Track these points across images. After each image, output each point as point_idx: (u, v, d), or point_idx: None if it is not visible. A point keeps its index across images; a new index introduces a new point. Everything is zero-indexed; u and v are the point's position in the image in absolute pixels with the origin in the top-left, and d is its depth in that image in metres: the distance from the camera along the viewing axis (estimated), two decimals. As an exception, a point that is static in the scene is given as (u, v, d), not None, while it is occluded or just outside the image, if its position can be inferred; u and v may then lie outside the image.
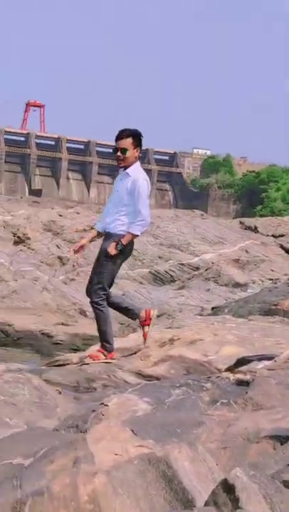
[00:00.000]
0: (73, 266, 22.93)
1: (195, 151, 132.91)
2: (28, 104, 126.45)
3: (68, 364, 6.82)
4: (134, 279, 20.71)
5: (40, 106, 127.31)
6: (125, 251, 6.89)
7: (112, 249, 6.75)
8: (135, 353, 6.96)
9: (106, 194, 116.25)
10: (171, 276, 20.93)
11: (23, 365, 6.85)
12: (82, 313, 17.95)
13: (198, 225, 23.87)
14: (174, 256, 21.83)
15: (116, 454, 2.62)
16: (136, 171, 6.85)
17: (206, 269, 20.09)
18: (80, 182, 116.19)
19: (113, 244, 6.76)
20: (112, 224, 6.85)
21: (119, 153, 6.81)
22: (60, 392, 5.28)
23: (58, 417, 4.54)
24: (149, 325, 7.11)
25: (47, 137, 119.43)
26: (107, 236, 6.94)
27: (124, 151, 6.77)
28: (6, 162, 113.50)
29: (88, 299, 7.17)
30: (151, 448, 2.67)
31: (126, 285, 20.06)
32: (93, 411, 3.27)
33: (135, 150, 6.81)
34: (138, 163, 6.92)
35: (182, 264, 21.28)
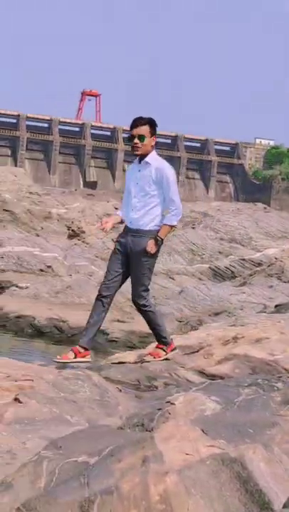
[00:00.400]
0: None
1: (258, 141, 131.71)
2: (83, 94, 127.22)
3: (127, 362, 6.84)
4: (193, 275, 20.67)
5: (96, 95, 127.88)
6: (159, 249, 6.81)
7: (152, 248, 6.63)
8: (197, 351, 6.94)
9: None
10: (232, 272, 20.83)
11: (81, 362, 6.88)
12: (139, 309, 17.97)
13: (260, 219, 23.70)
14: (234, 251, 21.72)
15: (187, 454, 2.62)
16: (157, 160, 6.74)
17: (269, 265, 19.93)
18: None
19: (152, 241, 6.63)
20: (142, 220, 6.69)
21: (136, 140, 6.67)
22: (120, 390, 5.31)
23: (119, 416, 4.56)
24: (166, 352, 6.87)
25: (103, 127, 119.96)
26: (137, 234, 6.73)
27: (142, 138, 6.67)
28: (60, 153, 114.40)
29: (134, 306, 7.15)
30: (224, 448, 2.67)
31: (184, 281, 20.04)
32: (159, 409, 3.27)
33: (152, 138, 6.73)
34: (155, 152, 6.81)
35: (243, 260, 21.16)
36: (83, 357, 6.46)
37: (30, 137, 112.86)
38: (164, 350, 6.83)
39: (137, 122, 6.71)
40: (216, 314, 16.65)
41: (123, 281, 6.98)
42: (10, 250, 27.59)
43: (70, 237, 27.60)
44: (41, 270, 23.47)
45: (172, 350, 6.86)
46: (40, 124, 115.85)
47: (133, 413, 3.43)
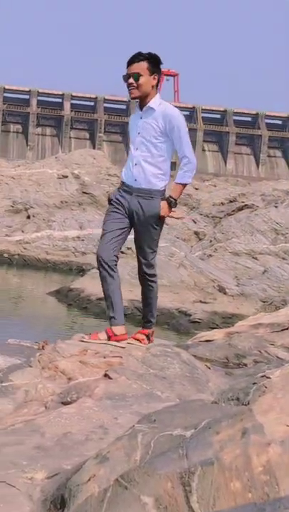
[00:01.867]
0: (210, 241, 22.94)
1: None
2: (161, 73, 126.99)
3: (214, 340, 6.82)
4: (277, 255, 20.47)
5: (174, 75, 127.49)
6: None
7: (166, 211, 5.70)
8: (287, 329, 6.87)
9: (244, 166, 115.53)
10: (317, 251, 20.56)
11: (166, 341, 6.90)
12: (222, 290, 17.94)
13: None
14: None
15: (288, 426, 2.60)
16: (162, 104, 5.72)
17: None
18: (216, 153, 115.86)
19: (165, 204, 5.69)
20: (149, 177, 5.72)
21: (130, 80, 5.66)
22: (209, 368, 5.30)
23: (210, 392, 4.56)
24: (150, 341, 5.81)
25: (181, 107, 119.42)
26: (145, 194, 5.74)
27: (136, 76, 5.63)
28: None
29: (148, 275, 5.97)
30: None
31: (268, 261, 19.88)
32: (254, 383, 3.25)
33: (152, 77, 5.67)
34: (158, 95, 5.77)
35: None
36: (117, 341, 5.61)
37: (108, 119, 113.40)
38: (148, 338, 5.77)
39: (134, 58, 5.69)
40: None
41: (123, 244, 5.96)
42: (90, 233, 27.94)
43: (151, 218, 27.70)
44: (122, 252, 23.67)
45: (146, 335, 5.80)
46: (117, 106, 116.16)
47: (228, 388, 3.42)
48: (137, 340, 5.68)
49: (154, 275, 5.92)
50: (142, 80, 5.61)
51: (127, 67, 5.68)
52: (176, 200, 5.75)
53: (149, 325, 5.88)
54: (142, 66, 5.62)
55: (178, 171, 5.74)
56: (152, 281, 5.93)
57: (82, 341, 5.56)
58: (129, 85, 5.66)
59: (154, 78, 5.65)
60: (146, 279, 5.91)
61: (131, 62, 5.66)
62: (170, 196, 5.72)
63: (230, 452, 2.54)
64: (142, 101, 5.70)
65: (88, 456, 3.25)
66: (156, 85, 5.70)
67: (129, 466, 2.89)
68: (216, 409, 3.18)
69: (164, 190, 5.77)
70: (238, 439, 2.58)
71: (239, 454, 2.53)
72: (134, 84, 5.63)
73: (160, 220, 5.74)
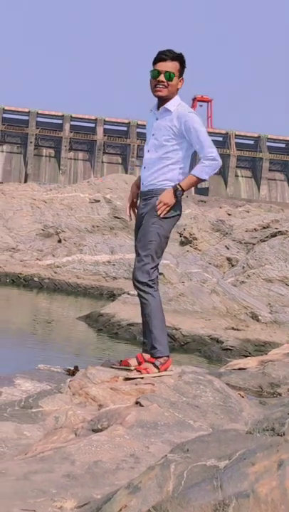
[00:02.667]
0: (243, 268, 22.84)
1: None
2: (194, 99, 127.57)
3: (248, 368, 6.75)
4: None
5: (207, 101, 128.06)
6: (176, 209, 5.36)
7: (167, 198, 5.20)
8: None
9: (278, 192, 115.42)
10: None
11: (198, 368, 6.84)
12: (254, 317, 17.83)
13: None
14: None
15: None
16: (180, 105, 5.40)
17: None
18: (250, 179, 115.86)
19: (168, 190, 5.24)
20: (155, 177, 5.36)
21: (162, 78, 5.32)
22: (242, 396, 5.23)
23: (244, 421, 4.50)
24: (159, 369, 5.23)
25: (214, 133, 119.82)
26: (148, 195, 5.37)
27: (170, 75, 5.32)
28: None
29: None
30: None
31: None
32: (289, 414, 3.20)
33: (180, 79, 5.39)
34: (178, 97, 5.44)
35: None
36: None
37: (140, 144, 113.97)
38: (155, 366, 5.21)
39: (166, 55, 5.36)
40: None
41: None
42: (121, 257, 28.02)
43: (182, 243, 27.72)
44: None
45: (166, 370, 5.23)
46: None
47: (263, 417, 3.37)
48: (138, 371, 5.21)
49: (146, 284, 5.26)
50: (174, 80, 5.34)
51: (157, 62, 5.36)
52: (183, 190, 5.28)
53: (154, 352, 5.27)
54: (176, 66, 5.36)
55: (198, 164, 5.31)
56: (144, 292, 5.28)
57: (130, 377, 5.20)
58: (158, 82, 5.34)
59: (181, 81, 5.42)
60: (137, 288, 5.33)
61: (163, 59, 5.35)
62: (178, 184, 5.27)
63: (266, 484, 2.49)
64: (162, 101, 5.40)
65: (119, 485, 3.22)
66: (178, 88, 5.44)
67: (161, 497, 2.85)
68: (251, 439, 3.13)
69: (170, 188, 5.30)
70: (274, 470, 2.53)
71: (275, 487, 2.48)
72: (165, 84, 5.33)
73: (158, 217, 5.24)
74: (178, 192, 5.23)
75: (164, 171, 5.32)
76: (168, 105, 5.35)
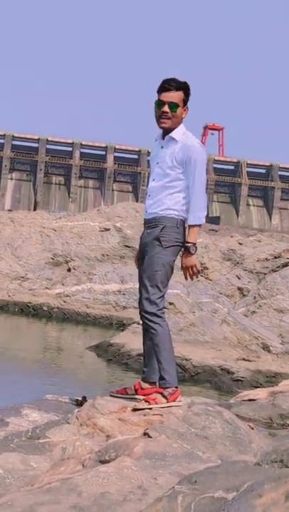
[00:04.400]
0: (254, 298, 22.82)
1: None
2: (206, 128, 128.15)
3: (258, 399, 6.75)
4: None
5: (219, 129, 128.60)
6: (180, 237, 5.38)
7: (189, 261, 5.26)
8: None
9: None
10: None
11: (208, 399, 6.84)
12: (266, 348, 17.79)
13: None
14: None
15: None
16: (185, 135, 5.41)
17: None
18: (261, 208, 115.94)
19: (187, 256, 5.30)
20: (158, 205, 5.37)
21: (166, 109, 5.33)
22: (252, 428, 5.23)
23: (253, 453, 4.50)
24: (168, 399, 5.22)
25: (226, 161, 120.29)
26: (152, 223, 5.39)
27: (174, 106, 5.34)
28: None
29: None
30: None
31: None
32: (298, 446, 3.21)
33: (184, 109, 5.40)
34: (183, 125, 5.45)
35: None
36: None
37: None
38: (164, 397, 5.21)
39: (170, 85, 5.35)
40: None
41: None
42: (132, 287, 28.00)
43: (193, 273, 27.73)
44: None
45: (175, 400, 5.23)
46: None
47: (272, 449, 3.38)
48: (147, 401, 5.20)
49: (154, 314, 5.28)
50: (178, 111, 5.36)
51: (161, 92, 5.37)
52: (194, 244, 5.32)
53: (162, 382, 5.29)
54: (180, 96, 5.37)
55: (190, 214, 5.38)
56: (152, 322, 5.29)
57: (139, 408, 5.16)
58: (162, 113, 5.36)
59: (185, 110, 5.43)
60: (144, 318, 5.34)
61: (167, 89, 5.35)
62: (187, 242, 5.32)
63: (274, 517, 2.50)
64: (168, 131, 5.42)
65: (126, 517, 3.22)
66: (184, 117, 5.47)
67: (168, 529, 2.86)
68: (259, 471, 3.14)
69: (174, 219, 5.34)
70: (282, 502, 2.54)
71: (283, 519, 2.49)
72: (169, 115, 5.35)
73: (163, 249, 5.29)
74: (191, 248, 5.29)
75: (168, 200, 5.34)
76: (173, 134, 5.38)
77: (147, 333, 5.40)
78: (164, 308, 5.38)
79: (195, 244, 5.33)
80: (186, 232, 5.44)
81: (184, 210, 5.36)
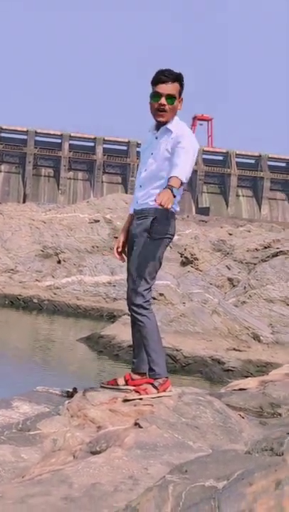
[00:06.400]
0: (244, 288, 22.85)
1: None
2: (195, 118, 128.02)
3: (248, 388, 6.76)
4: (313, 302, 20.32)
5: (207, 119, 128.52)
6: (169, 230, 5.31)
7: (165, 197, 4.83)
8: None
9: (279, 211, 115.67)
10: None
11: (200, 389, 6.85)
12: (256, 338, 17.82)
13: None
14: None
15: None
16: (179, 125, 5.29)
17: None
18: (251, 199, 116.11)
19: (166, 192, 4.87)
20: (148, 196, 5.27)
21: (163, 101, 5.20)
22: (243, 417, 5.24)
23: (244, 442, 4.51)
24: (158, 389, 5.23)
25: (215, 152, 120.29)
26: (142, 215, 5.31)
27: (170, 99, 5.22)
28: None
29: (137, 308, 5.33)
30: None
31: (304, 308, 19.74)
32: (288, 433, 3.21)
33: (179, 101, 5.29)
34: (177, 117, 5.33)
35: None
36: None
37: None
38: (154, 387, 5.22)
39: (166, 76, 5.21)
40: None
41: None
42: (122, 278, 28.00)
43: (183, 264, 27.74)
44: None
45: (165, 391, 5.23)
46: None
47: (262, 438, 3.39)
48: (137, 392, 5.22)
49: (141, 306, 5.24)
50: (176, 103, 5.25)
51: (158, 84, 5.24)
52: (177, 188, 4.97)
53: (152, 374, 5.30)
54: (176, 88, 5.25)
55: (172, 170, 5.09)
56: (139, 314, 5.26)
57: (129, 399, 5.16)
58: (160, 106, 5.24)
59: (180, 101, 5.33)
60: (131, 310, 5.32)
61: (163, 80, 5.22)
62: (169, 185, 4.96)
63: (264, 504, 2.51)
64: (165, 123, 5.30)
65: (117, 507, 3.23)
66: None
67: (159, 518, 2.86)
68: (250, 459, 3.14)
69: (165, 210, 5.07)
70: (272, 490, 2.55)
71: (273, 506, 2.49)
72: (167, 108, 5.23)
73: (152, 240, 5.22)
74: (174, 190, 4.93)
75: (156, 190, 5.18)
76: (168, 126, 5.27)
77: (135, 324, 5.39)
78: (152, 299, 5.38)
79: (177, 188, 5.00)
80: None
81: (175, 202, 5.15)
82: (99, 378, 13.96)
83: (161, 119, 5.27)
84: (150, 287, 5.28)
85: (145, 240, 5.25)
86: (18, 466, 4.56)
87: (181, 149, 5.10)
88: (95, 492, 3.84)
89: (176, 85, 5.24)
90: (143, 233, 5.26)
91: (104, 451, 4.39)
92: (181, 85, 5.28)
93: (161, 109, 5.24)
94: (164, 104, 5.21)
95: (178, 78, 5.25)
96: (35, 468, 4.43)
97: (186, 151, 5.10)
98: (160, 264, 5.33)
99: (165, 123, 5.28)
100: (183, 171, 5.02)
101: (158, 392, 5.19)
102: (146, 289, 5.26)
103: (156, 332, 5.32)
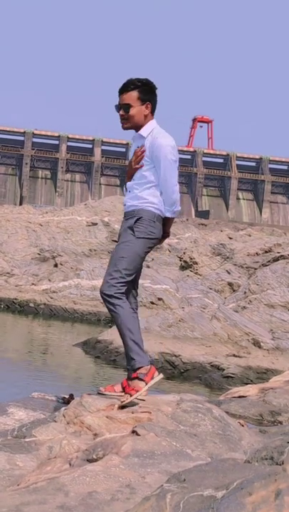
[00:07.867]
0: (244, 293, 22.86)
1: None
2: (195, 120, 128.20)
3: (248, 396, 6.75)
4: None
5: (208, 121, 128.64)
6: (155, 232, 5.58)
7: (135, 386, 5.30)
8: None
9: (280, 215, 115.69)
10: None
11: (198, 396, 6.85)
12: (256, 344, 17.81)
13: None
14: None
15: None
16: (154, 131, 5.65)
17: None
18: (251, 202, 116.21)
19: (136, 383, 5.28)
20: (135, 199, 5.63)
21: (121, 112, 5.64)
22: (242, 425, 5.24)
23: (243, 450, 4.50)
24: (145, 381, 5.36)
25: (215, 154, 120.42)
26: (128, 216, 5.65)
27: (126, 107, 5.60)
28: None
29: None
30: None
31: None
32: (289, 442, 3.21)
33: (144, 106, 5.62)
34: (153, 121, 5.69)
35: None
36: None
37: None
38: (140, 379, 5.34)
39: (124, 88, 5.63)
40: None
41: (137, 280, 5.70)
42: (119, 282, 28.01)
43: (182, 268, 27.75)
44: (152, 303, 23.66)
45: (153, 378, 5.36)
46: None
47: (262, 446, 3.38)
48: (128, 393, 5.31)
49: (113, 296, 5.35)
50: (132, 111, 5.59)
51: (119, 96, 5.64)
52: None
53: (133, 364, 5.40)
54: (133, 96, 5.58)
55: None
56: (112, 304, 5.36)
57: (125, 404, 5.22)
58: (120, 116, 5.66)
59: (147, 107, 5.63)
60: (105, 301, 5.43)
61: (122, 91, 5.62)
62: (167, 233, 5.71)
63: (264, 514, 2.50)
64: (137, 129, 5.69)
65: (114, 516, 3.21)
66: (152, 112, 5.67)
67: (156, 528, 2.85)
68: (249, 468, 3.14)
69: (150, 211, 5.55)
70: (272, 500, 2.54)
71: (273, 517, 2.49)
72: (125, 116, 5.63)
73: (134, 238, 5.47)
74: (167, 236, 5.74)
75: (146, 193, 5.57)
76: (141, 131, 5.64)
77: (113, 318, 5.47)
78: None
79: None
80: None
81: (161, 204, 5.60)
82: (96, 384, 13.95)
83: (123, 127, 5.70)
84: (125, 282, 5.40)
85: (128, 237, 5.50)
86: (13, 473, 4.55)
87: (158, 164, 5.58)
88: (91, 501, 3.84)
89: (132, 94, 5.58)
90: (127, 230, 5.54)
91: (101, 459, 4.38)
92: (143, 91, 5.59)
93: (122, 118, 5.67)
94: (122, 114, 5.64)
95: (136, 86, 5.58)
96: (31, 476, 4.42)
97: (166, 170, 5.61)
98: (140, 262, 5.54)
99: (138, 127, 5.66)
100: (172, 199, 5.63)
101: (146, 384, 5.29)
102: (119, 282, 5.38)
103: (132, 320, 5.39)
